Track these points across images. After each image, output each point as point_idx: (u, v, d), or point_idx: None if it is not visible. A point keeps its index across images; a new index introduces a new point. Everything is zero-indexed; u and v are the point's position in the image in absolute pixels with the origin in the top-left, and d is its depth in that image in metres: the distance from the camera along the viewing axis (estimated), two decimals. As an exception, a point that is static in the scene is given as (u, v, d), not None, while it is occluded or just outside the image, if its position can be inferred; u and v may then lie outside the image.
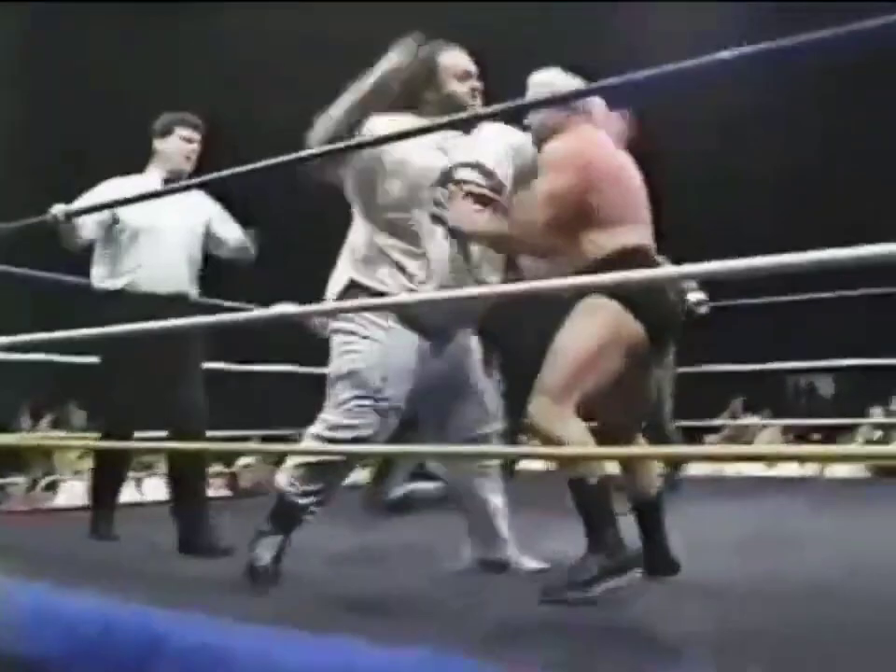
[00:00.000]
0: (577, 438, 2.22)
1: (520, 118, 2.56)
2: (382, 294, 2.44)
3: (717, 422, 8.06)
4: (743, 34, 1.59)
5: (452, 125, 2.38)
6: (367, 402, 2.42)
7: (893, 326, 6.53)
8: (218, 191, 3.42)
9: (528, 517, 2.84)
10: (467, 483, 2.64)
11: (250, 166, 2.23)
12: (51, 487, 6.44)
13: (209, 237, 3.41)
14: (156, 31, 8.74)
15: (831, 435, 7.57)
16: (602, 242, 2.35)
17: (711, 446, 6.88)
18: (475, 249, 2.51)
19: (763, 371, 5.95)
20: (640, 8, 8.69)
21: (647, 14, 8.74)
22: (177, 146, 3.33)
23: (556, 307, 4.47)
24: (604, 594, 2.15)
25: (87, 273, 3.39)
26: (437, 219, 2.48)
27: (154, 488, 5.87)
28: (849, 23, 1.41)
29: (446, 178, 2.50)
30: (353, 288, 2.49)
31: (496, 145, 2.61)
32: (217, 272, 3.56)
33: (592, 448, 2.28)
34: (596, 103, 2.52)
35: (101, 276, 3.31)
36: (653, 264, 2.41)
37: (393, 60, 2.47)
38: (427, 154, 2.48)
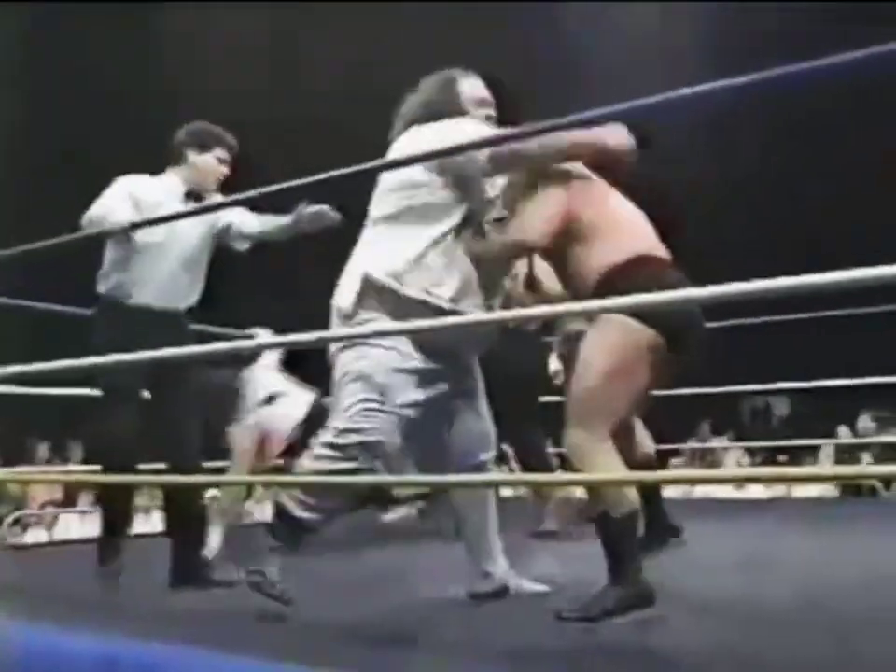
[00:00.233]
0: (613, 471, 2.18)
1: None
2: (416, 300, 2.39)
3: (688, 445, 8.12)
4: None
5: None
6: (374, 406, 2.38)
7: (849, 346, 6.64)
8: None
9: (511, 541, 2.83)
10: (466, 507, 2.62)
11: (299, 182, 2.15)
12: (17, 522, 6.29)
13: (225, 234, 3.22)
14: (156, 31, 8.78)
15: (795, 455, 7.64)
16: (605, 253, 2.31)
17: (685, 469, 6.93)
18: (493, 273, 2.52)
19: (725, 393, 6.00)
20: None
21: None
22: (212, 166, 3.18)
23: (532, 335, 4.50)
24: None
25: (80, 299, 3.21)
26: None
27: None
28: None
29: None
30: (369, 289, 2.42)
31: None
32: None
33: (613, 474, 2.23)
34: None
35: (105, 281, 3.12)
36: (663, 271, 2.33)
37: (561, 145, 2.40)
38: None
